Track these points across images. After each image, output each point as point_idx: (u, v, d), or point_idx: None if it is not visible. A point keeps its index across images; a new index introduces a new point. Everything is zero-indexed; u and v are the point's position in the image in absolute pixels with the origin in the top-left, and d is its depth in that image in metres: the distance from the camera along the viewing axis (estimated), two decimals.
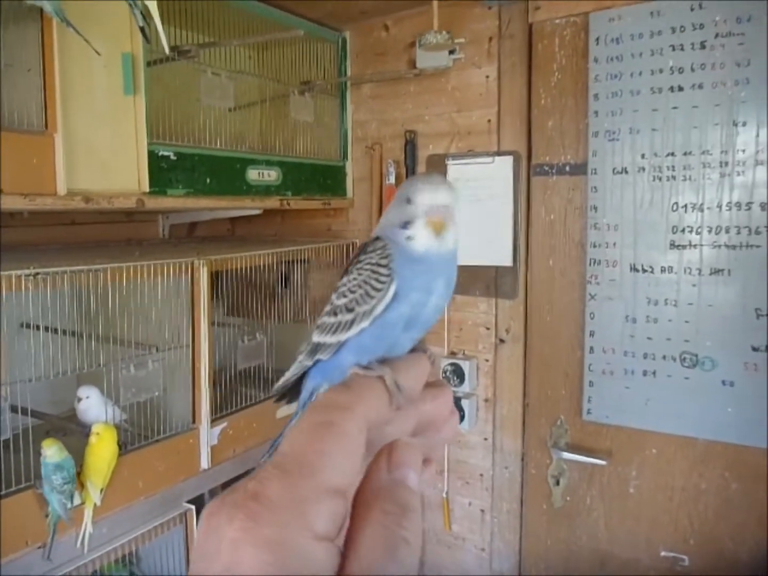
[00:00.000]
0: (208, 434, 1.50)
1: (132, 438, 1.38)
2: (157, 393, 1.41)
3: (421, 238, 0.36)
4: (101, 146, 1.28)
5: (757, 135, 1.40)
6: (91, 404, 1.30)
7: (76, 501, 1.23)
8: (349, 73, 1.94)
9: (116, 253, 1.52)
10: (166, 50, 1.07)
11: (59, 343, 1.29)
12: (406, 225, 0.37)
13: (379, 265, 0.38)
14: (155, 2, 0.98)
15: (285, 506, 0.24)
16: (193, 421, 1.48)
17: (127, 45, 1.31)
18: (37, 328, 1.27)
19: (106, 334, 1.39)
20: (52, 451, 1.14)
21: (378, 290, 0.38)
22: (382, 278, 0.38)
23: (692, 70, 1.45)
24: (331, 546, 0.25)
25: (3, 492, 1.13)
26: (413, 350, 0.39)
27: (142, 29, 1.10)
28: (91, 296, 1.34)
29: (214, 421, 1.52)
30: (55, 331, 1.32)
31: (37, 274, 1.15)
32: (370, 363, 0.36)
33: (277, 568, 0.23)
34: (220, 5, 1.55)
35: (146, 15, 1.06)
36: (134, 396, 1.36)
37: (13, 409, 1.23)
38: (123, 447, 1.32)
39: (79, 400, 1.30)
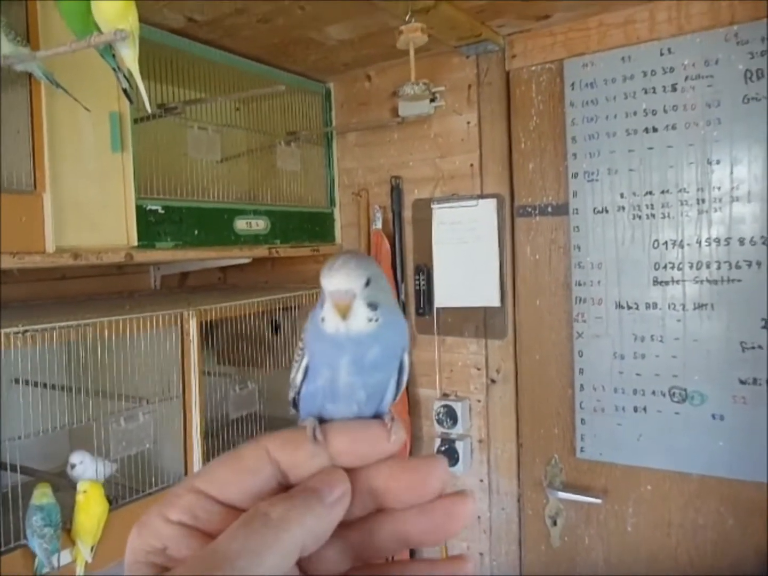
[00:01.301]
0: None
1: (123, 492, 1.37)
2: (148, 445, 1.41)
3: (328, 320, 0.39)
4: (90, 203, 1.30)
5: (731, 172, 1.44)
6: (86, 468, 1.29)
7: (67, 558, 1.21)
8: (334, 122, 1.99)
9: (107, 306, 1.53)
10: (149, 110, 1.10)
11: (50, 398, 1.29)
12: (321, 306, 0.40)
13: (300, 341, 0.41)
14: (137, 66, 1.01)
15: None
16: (185, 473, 1.47)
17: (114, 104, 1.35)
18: (28, 383, 1.27)
19: (96, 387, 1.39)
20: (38, 493, 1.14)
21: (297, 362, 0.41)
22: (298, 352, 0.41)
23: (665, 111, 1.50)
24: None
25: None
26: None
27: (125, 91, 1.13)
28: (80, 350, 1.35)
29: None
30: (46, 386, 1.32)
31: (26, 331, 1.17)
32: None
33: None
34: (206, 62, 1.60)
35: (129, 78, 1.10)
36: (125, 449, 1.35)
37: (3, 466, 1.22)
38: (115, 501, 1.32)
39: (73, 466, 1.29)
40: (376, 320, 0.38)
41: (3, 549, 1.13)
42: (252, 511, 0.31)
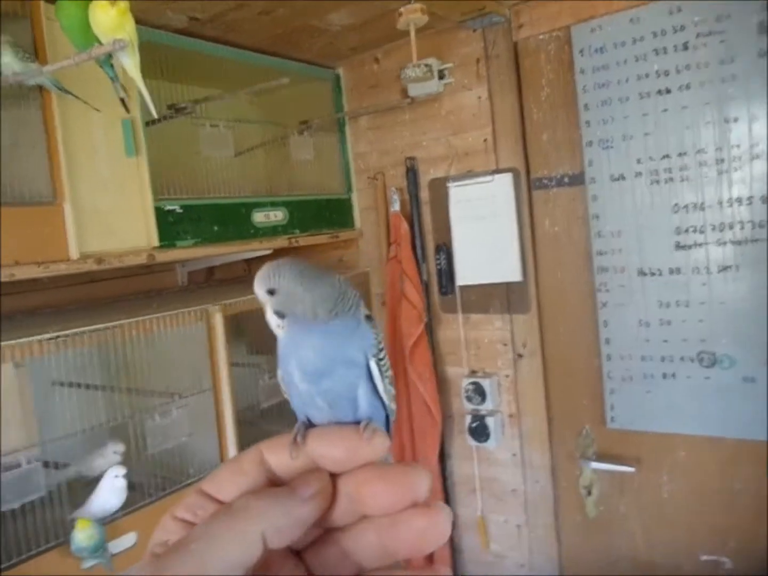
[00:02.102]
0: None
1: (163, 483, 1.42)
2: (183, 438, 1.45)
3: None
4: (109, 208, 1.34)
5: (750, 129, 1.40)
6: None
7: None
8: (345, 107, 1.99)
9: (135, 306, 1.58)
10: (154, 115, 1.12)
11: (88, 398, 1.35)
12: None
13: None
14: (138, 73, 1.03)
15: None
16: (222, 462, 1.52)
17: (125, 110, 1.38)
18: (69, 384, 1.33)
19: (130, 385, 1.45)
20: (83, 536, 1.16)
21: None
22: None
23: (678, 71, 1.46)
24: None
25: (42, 548, 1.18)
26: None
27: (122, 100, 1.16)
28: (114, 351, 1.40)
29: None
30: (84, 386, 1.38)
31: (58, 337, 1.21)
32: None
33: None
34: (213, 59, 1.61)
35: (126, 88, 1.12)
36: (161, 443, 1.40)
37: (48, 464, 1.28)
38: (155, 493, 1.37)
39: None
40: (283, 328, 0.39)
41: (50, 545, 1.18)
42: (224, 505, 0.33)
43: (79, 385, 1.32)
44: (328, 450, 0.35)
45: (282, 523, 0.32)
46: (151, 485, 1.39)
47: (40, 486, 1.18)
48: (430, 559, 1.76)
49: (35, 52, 1.19)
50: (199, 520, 0.34)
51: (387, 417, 0.45)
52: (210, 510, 0.34)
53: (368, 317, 0.42)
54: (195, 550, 0.30)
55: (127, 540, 1.31)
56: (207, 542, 0.30)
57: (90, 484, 1.28)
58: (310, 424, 0.39)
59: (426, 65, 1.39)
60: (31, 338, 1.16)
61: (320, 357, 0.39)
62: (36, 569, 1.14)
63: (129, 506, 1.32)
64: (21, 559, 1.12)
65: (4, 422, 1.15)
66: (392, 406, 0.44)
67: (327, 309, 0.39)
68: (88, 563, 1.18)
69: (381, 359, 0.41)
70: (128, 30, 0.98)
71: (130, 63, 1.03)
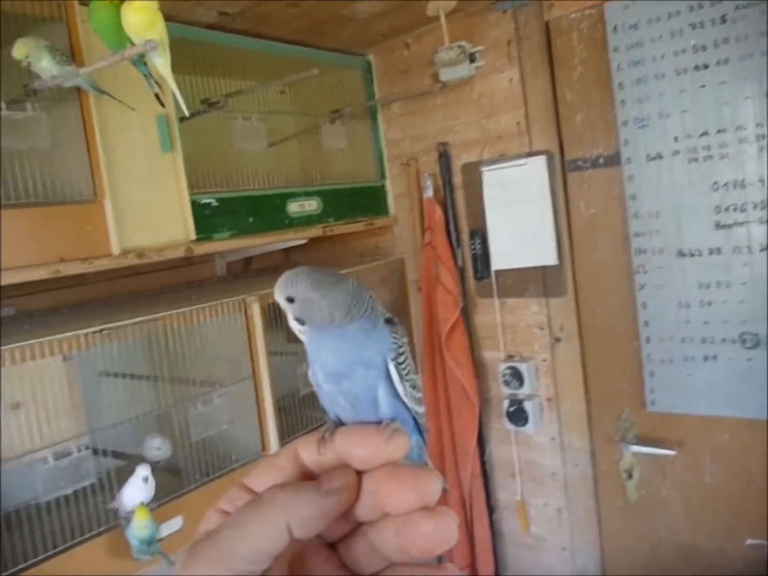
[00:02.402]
0: None
1: (206, 469, 1.46)
2: (225, 426, 1.49)
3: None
4: (147, 204, 1.38)
5: None
6: (164, 452, 1.40)
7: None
8: (377, 94, 1.99)
9: (176, 298, 1.62)
10: (185, 112, 1.15)
11: (133, 388, 1.40)
12: None
13: None
14: (170, 71, 1.06)
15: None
16: (263, 449, 1.56)
17: (160, 107, 1.41)
18: (114, 375, 1.38)
19: (173, 375, 1.49)
20: (140, 525, 1.20)
21: None
22: None
23: (715, 45, 1.42)
24: None
25: (95, 531, 1.23)
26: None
27: (156, 96, 1.19)
28: (155, 342, 1.44)
29: (282, 445, 1.59)
30: (129, 376, 1.43)
31: (102, 330, 1.26)
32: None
33: None
34: (244, 52, 1.63)
35: (161, 83, 1.15)
36: (204, 431, 1.44)
37: (98, 452, 1.34)
38: (200, 479, 1.42)
39: (154, 452, 1.40)
40: (305, 333, 0.41)
41: (103, 528, 1.24)
42: (254, 496, 0.35)
43: (124, 376, 1.36)
44: (351, 448, 0.36)
45: (305, 514, 0.33)
46: (195, 471, 1.44)
47: (90, 473, 1.23)
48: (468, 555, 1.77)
49: (72, 54, 1.23)
50: None
51: (415, 420, 0.46)
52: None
53: (389, 320, 0.43)
54: (225, 536, 0.32)
55: (175, 524, 1.36)
56: (236, 530, 0.33)
57: None
58: (339, 423, 0.40)
59: (459, 47, 1.38)
60: (77, 332, 1.21)
61: (338, 359, 0.41)
62: (88, 554, 1.19)
63: (175, 491, 1.37)
64: (74, 543, 1.18)
65: (54, 413, 1.20)
66: (417, 408, 0.44)
67: (343, 313, 0.40)
68: (140, 552, 1.23)
69: (401, 363, 0.42)
70: (159, 30, 1.00)
71: (161, 62, 1.05)
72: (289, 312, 0.42)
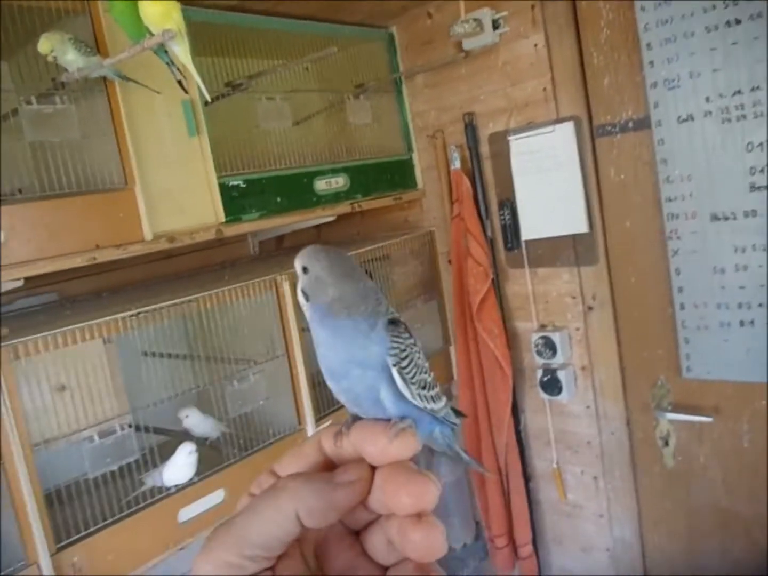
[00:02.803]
0: None
1: (246, 444, 1.52)
2: (261, 402, 1.54)
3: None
4: (176, 188, 1.41)
5: None
6: (193, 421, 1.45)
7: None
8: (401, 66, 1.97)
9: (210, 279, 1.66)
10: (207, 98, 1.17)
11: (171, 367, 1.45)
12: None
13: None
14: (189, 58, 1.07)
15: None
16: (299, 423, 1.60)
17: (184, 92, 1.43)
18: (151, 355, 1.43)
19: (209, 354, 1.54)
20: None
21: None
22: None
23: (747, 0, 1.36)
24: None
25: (141, 505, 1.30)
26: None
27: (179, 82, 1.21)
28: (191, 322, 1.49)
29: (318, 420, 1.63)
30: (166, 356, 1.48)
31: (139, 313, 1.30)
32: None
33: None
34: (266, 32, 1.64)
35: (183, 70, 1.17)
36: (240, 407, 1.49)
37: (142, 429, 1.39)
38: (238, 454, 1.47)
39: (183, 420, 1.46)
40: (306, 310, 0.42)
41: (149, 501, 1.30)
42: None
43: (161, 355, 1.41)
44: (362, 444, 0.37)
45: (314, 503, 0.34)
46: (235, 446, 1.49)
47: (134, 449, 1.28)
48: None
49: (96, 45, 1.25)
50: None
51: (438, 420, 0.46)
52: None
53: (395, 322, 0.42)
54: (239, 522, 0.34)
55: (217, 496, 1.41)
56: (249, 516, 0.34)
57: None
58: (357, 416, 0.41)
59: (474, 19, 1.36)
60: (115, 316, 1.26)
61: (333, 354, 0.41)
62: (134, 526, 1.25)
63: (217, 465, 1.43)
64: (121, 516, 1.24)
65: (97, 394, 1.26)
66: (432, 406, 0.44)
67: (342, 306, 0.41)
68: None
69: (404, 367, 0.41)
70: (176, 19, 1.02)
71: (180, 50, 1.07)
72: (300, 282, 0.43)
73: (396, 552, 0.36)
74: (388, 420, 0.39)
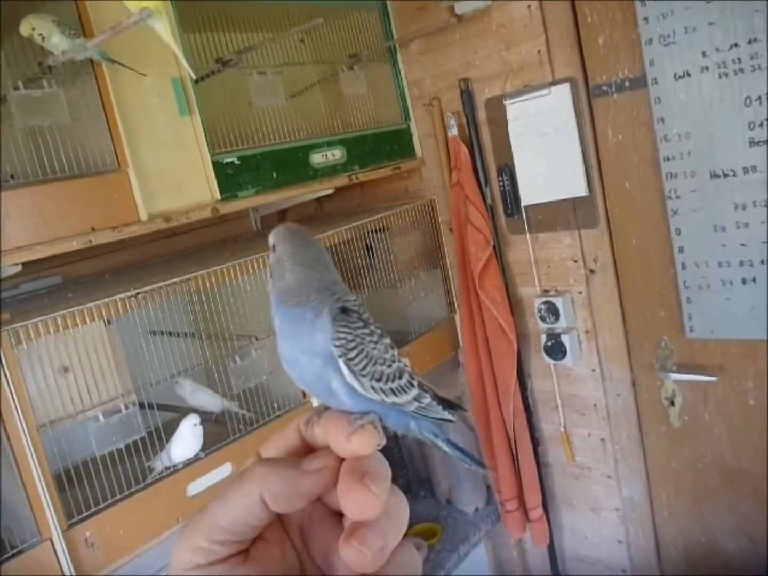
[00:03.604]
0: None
1: (252, 419, 1.54)
2: (264, 377, 1.56)
3: None
4: (170, 168, 1.41)
5: None
6: (187, 390, 1.48)
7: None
8: (395, 35, 1.94)
9: (210, 256, 1.67)
10: (193, 77, 1.16)
11: (173, 345, 1.47)
12: None
13: None
14: (170, 36, 1.07)
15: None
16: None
17: (174, 70, 1.43)
18: (152, 334, 1.45)
19: (209, 331, 1.56)
20: None
21: None
22: None
23: None
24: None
25: (150, 480, 1.33)
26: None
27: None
28: (191, 300, 1.51)
29: None
30: (167, 334, 1.50)
31: (138, 293, 1.32)
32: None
33: None
34: (255, 4, 1.62)
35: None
36: (244, 383, 1.51)
37: (148, 406, 1.42)
38: (244, 428, 1.49)
39: (176, 389, 1.49)
40: (269, 289, 0.42)
41: (157, 476, 1.33)
42: None
43: (162, 333, 1.43)
44: (327, 435, 0.37)
45: (279, 488, 0.35)
46: (240, 421, 1.52)
47: (139, 427, 1.31)
48: None
49: (81, 28, 1.25)
50: None
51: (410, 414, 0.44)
52: None
53: (346, 311, 0.41)
54: (211, 508, 0.35)
55: (224, 470, 1.44)
56: (219, 502, 0.35)
57: None
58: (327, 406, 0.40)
59: None
60: (115, 297, 1.27)
61: (283, 341, 0.41)
62: (142, 502, 1.29)
63: (223, 440, 1.45)
64: (130, 492, 1.27)
65: (101, 374, 1.28)
66: (395, 399, 0.42)
67: (294, 294, 0.41)
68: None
69: (352, 358, 0.40)
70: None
71: (160, 27, 1.07)
72: (270, 257, 0.43)
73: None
74: (352, 414, 0.38)
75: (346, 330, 0.40)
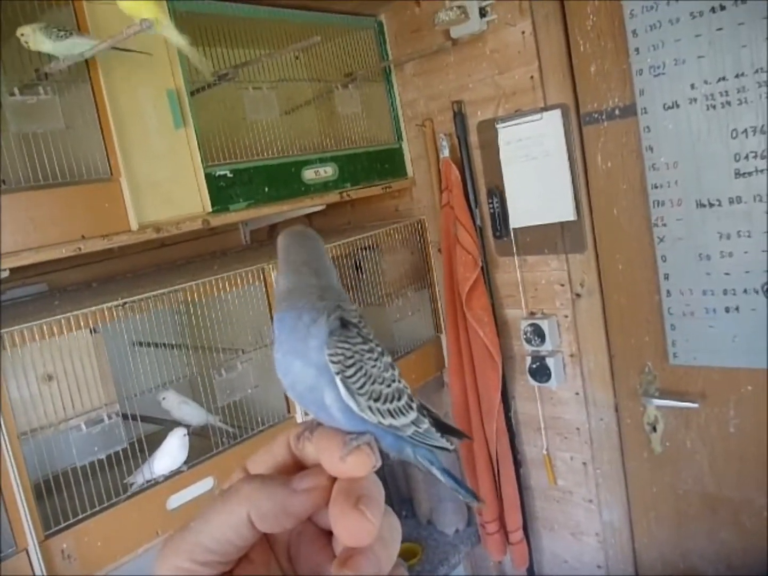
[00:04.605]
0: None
1: (234, 433, 1.53)
2: (249, 391, 1.55)
3: None
4: (162, 179, 1.41)
5: None
6: (171, 404, 1.47)
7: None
8: (390, 55, 1.97)
9: (199, 268, 1.67)
10: (208, 77, 1.17)
11: (159, 357, 1.46)
12: None
13: None
14: (180, 40, 1.08)
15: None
16: (288, 411, 1.61)
17: (170, 81, 1.43)
18: (138, 345, 1.44)
19: (196, 343, 1.55)
20: None
21: None
22: None
23: None
24: None
25: (130, 492, 1.31)
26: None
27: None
28: (179, 312, 1.50)
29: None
30: (157, 345, 1.49)
31: (125, 303, 1.31)
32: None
33: None
34: (253, 20, 1.64)
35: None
36: (229, 396, 1.50)
37: (132, 418, 1.41)
38: (227, 442, 1.48)
39: (161, 402, 1.48)
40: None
41: (137, 489, 1.31)
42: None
43: (149, 345, 1.42)
44: (319, 454, 0.36)
45: (267, 508, 0.33)
46: (223, 434, 1.51)
47: (121, 438, 1.30)
48: None
49: (79, 31, 1.25)
50: None
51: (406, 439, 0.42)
52: None
53: (346, 325, 0.39)
54: (193, 527, 0.34)
55: (206, 484, 1.43)
56: (203, 521, 0.34)
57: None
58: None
59: (459, 7, 1.36)
60: (102, 305, 1.27)
61: (278, 345, 0.39)
62: (122, 513, 1.27)
63: (206, 453, 1.44)
64: (111, 503, 1.25)
65: (85, 383, 1.27)
66: (392, 422, 0.40)
67: (289, 298, 0.39)
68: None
69: (350, 376, 0.38)
70: (151, 9, 1.02)
71: (171, 35, 1.08)
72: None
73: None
74: (347, 433, 0.36)
75: (345, 346, 0.38)
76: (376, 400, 0.39)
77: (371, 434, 0.37)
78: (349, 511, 0.32)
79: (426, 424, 0.43)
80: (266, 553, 0.36)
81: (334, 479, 0.35)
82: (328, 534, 0.37)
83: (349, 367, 0.38)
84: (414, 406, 0.42)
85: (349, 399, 0.38)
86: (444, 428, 0.45)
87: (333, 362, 0.38)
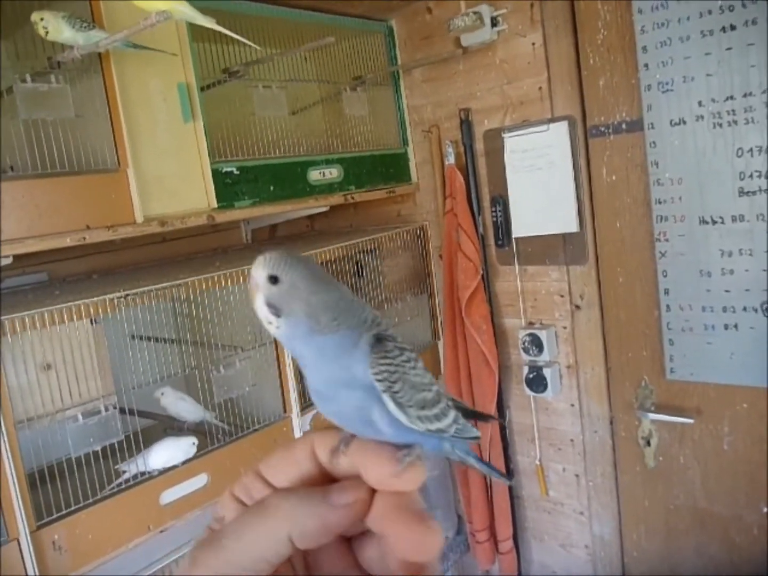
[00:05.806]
0: (299, 422, 1.62)
1: (230, 431, 1.52)
2: (247, 388, 1.54)
3: None
4: (169, 173, 1.41)
5: None
6: (169, 400, 1.46)
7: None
8: (399, 60, 1.98)
9: (201, 264, 1.66)
10: (247, 42, 1.18)
11: (158, 351, 1.45)
12: None
13: None
14: (210, 24, 1.09)
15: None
16: (284, 411, 1.61)
17: (181, 75, 1.43)
18: (142, 338, 1.44)
19: (198, 339, 1.55)
20: None
21: None
22: None
23: (744, 6, 1.37)
24: None
25: (124, 486, 1.30)
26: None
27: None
28: (179, 307, 1.49)
29: (304, 409, 1.63)
30: (157, 339, 1.49)
31: (127, 295, 1.31)
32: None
33: None
34: (265, 19, 1.64)
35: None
36: (226, 393, 1.50)
37: (128, 411, 1.40)
38: (222, 439, 1.48)
39: (159, 398, 1.47)
40: (277, 327, 0.36)
41: (132, 482, 1.30)
42: (259, 499, 0.35)
43: (149, 339, 1.42)
44: (362, 468, 0.35)
45: (309, 526, 0.32)
46: (219, 431, 1.50)
47: (117, 431, 1.29)
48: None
49: (93, 24, 1.25)
50: (252, 503, 0.35)
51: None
52: (264, 495, 0.35)
53: (381, 339, 0.37)
54: (225, 545, 0.32)
55: (200, 480, 1.42)
56: (236, 538, 0.32)
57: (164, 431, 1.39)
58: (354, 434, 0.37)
59: (475, 13, 1.36)
60: (103, 296, 1.26)
61: (318, 376, 0.37)
62: (116, 506, 1.26)
63: (201, 449, 1.43)
64: (104, 496, 1.25)
65: (83, 374, 1.26)
66: (438, 425, 0.40)
67: (330, 318, 0.36)
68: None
69: (397, 391, 0.37)
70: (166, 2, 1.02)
71: (201, 21, 1.08)
72: (263, 295, 0.36)
73: (385, 566, 0.34)
74: (391, 445, 0.35)
75: (387, 361, 0.37)
76: (422, 408, 0.39)
77: (420, 446, 0.36)
78: (416, 526, 0.32)
79: (461, 419, 0.43)
80: (286, 564, 0.35)
81: (373, 492, 0.34)
82: (347, 540, 0.36)
83: (395, 382, 0.37)
84: (450, 404, 0.42)
85: (399, 413, 0.37)
86: (470, 414, 0.45)
87: (378, 380, 0.36)
